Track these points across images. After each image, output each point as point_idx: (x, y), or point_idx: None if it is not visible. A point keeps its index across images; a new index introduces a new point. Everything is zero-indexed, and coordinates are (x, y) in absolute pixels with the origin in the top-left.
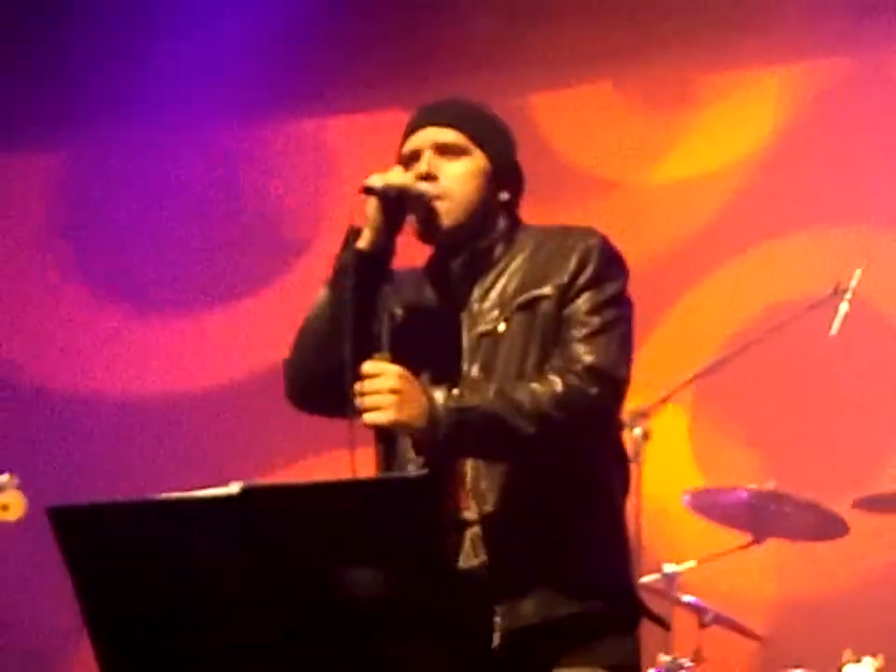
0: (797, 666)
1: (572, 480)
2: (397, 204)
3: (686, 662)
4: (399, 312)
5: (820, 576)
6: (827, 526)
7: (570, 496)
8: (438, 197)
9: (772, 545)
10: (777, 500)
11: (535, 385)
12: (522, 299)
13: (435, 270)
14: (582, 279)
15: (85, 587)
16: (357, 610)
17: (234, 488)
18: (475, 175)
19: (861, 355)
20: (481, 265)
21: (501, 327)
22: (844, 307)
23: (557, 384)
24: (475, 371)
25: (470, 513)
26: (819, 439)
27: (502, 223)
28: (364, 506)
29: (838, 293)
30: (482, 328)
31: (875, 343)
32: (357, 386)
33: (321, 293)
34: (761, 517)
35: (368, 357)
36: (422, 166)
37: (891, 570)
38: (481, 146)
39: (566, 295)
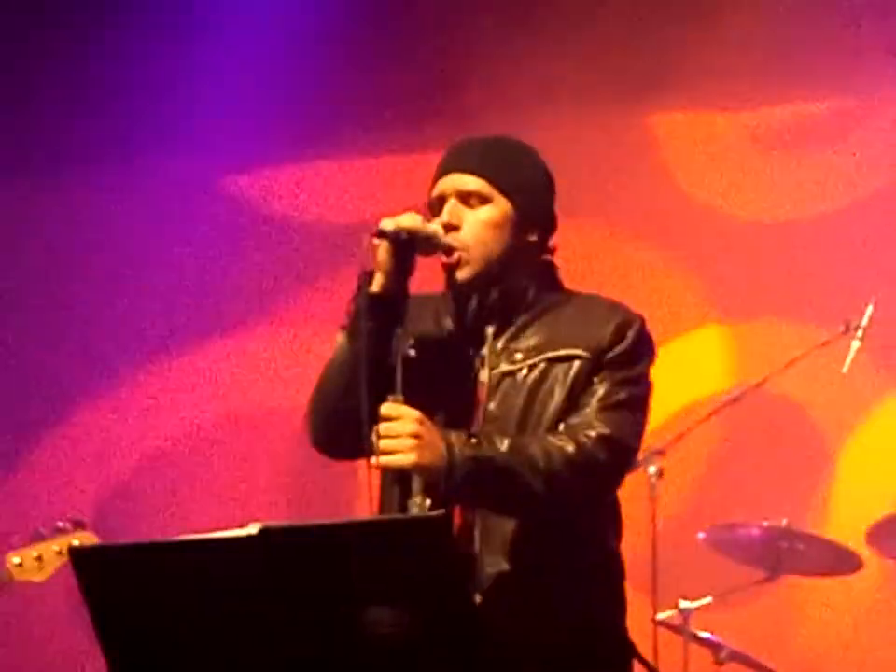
0: None
1: (571, 532)
2: (408, 247)
3: None
4: (412, 344)
5: (836, 612)
6: (841, 562)
7: (568, 548)
8: (455, 248)
9: (790, 581)
10: (789, 537)
11: (548, 444)
12: (554, 354)
13: (455, 302)
14: (615, 352)
15: (103, 625)
16: (379, 648)
17: (253, 529)
18: (497, 225)
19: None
20: (508, 305)
21: (524, 371)
22: (855, 344)
23: (570, 445)
24: (492, 406)
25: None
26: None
27: (533, 265)
28: (383, 544)
29: (850, 330)
30: (504, 367)
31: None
32: (376, 429)
33: (338, 339)
34: (774, 553)
35: (384, 399)
36: (444, 216)
37: None
38: (505, 192)
39: (598, 360)
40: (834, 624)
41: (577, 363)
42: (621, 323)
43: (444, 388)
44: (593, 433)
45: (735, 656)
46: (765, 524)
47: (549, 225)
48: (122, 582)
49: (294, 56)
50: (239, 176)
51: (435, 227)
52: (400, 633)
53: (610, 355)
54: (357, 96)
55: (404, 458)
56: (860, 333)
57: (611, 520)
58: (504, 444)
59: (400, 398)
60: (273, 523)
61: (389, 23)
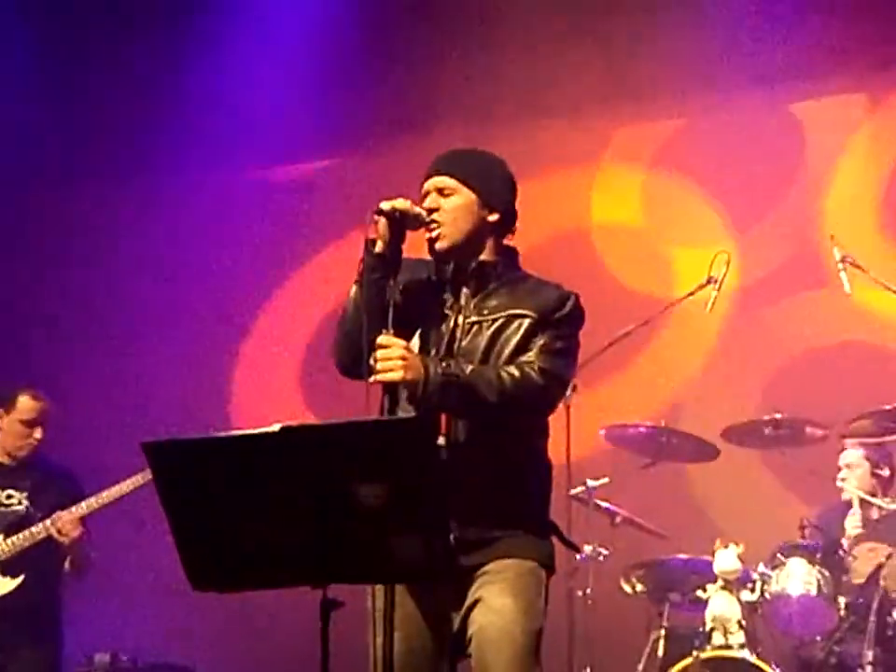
0: (683, 552)
1: (512, 434)
2: (400, 222)
3: (603, 550)
4: (402, 290)
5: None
6: (704, 452)
7: (512, 450)
8: (437, 223)
9: (667, 466)
10: (666, 433)
11: (501, 370)
12: (513, 312)
13: (440, 268)
14: (556, 315)
15: (170, 502)
16: (369, 515)
17: (276, 427)
18: (463, 207)
19: (731, 327)
20: (481, 275)
21: (489, 322)
22: (714, 292)
23: (517, 372)
24: (464, 343)
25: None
26: (699, 387)
27: (495, 242)
28: (374, 438)
29: (711, 282)
30: (475, 318)
31: (739, 318)
32: (374, 354)
33: (352, 289)
34: (655, 446)
35: (380, 332)
36: (427, 203)
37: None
38: (468, 184)
39: (544, 320)
40: (700, 499)
41: (528, 321)
42: (562, 295)
43: (427, 327)
44: (535, 366)
45: (626, 520)
46: (649, 424)
47: (507, 211)
48: (181, 469)
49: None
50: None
51: (420, 210)
52: (386, 503)
53: (552, 317)
54: (368, 103)
55: (393, 375)
56: (718, 284)
57: (544, 436)
58: (468, 368)
59: (391, 332)
60: (291, 422)
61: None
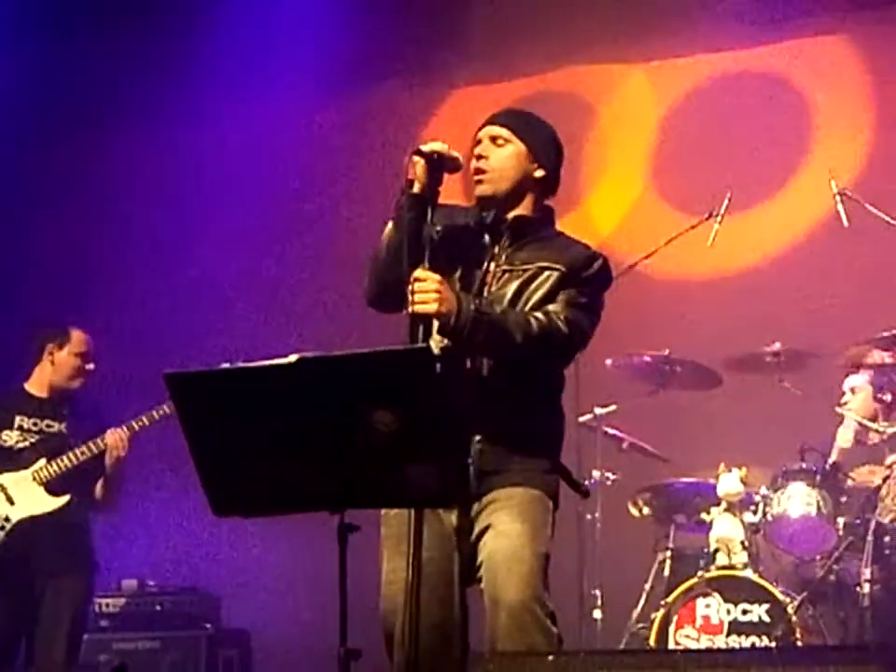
0: (687, 476)
1: (535, 381)
2: (437, 164)
3: (611, 475)
4: (440, 232)
5: (705, 414)
6: (706, 379)
7: (531, 390)
8: (484, 170)
9: (671, 394)
10: (670, 362)
11: (529, 315)
12: (543, 264)
13: (478, 215)
14: (584, 273)
15: (191, 432)
16: (383, 442)
17: (293, 358)
18: (513, 156)
19: (732, 263)
20: (517, 227)
21: (520, 271)
22: (716, 226)
23: (544, 318)
24: (493, 289)
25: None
26: (706, 319)
27: (536, 198)
28: (383, 367)
29: (712, 215)
30: (505, 266)
31: (739, 253)
32: (410, 288)
33: (388, 227)
34: (659, 374)
35: (416, 268)
36: (477, 150)
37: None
38: (520, 137)
39: (572, 275)
40: (703, 425)
41: (556, 273)
42: (592, 255)
43: (460, 271)
44: (560, 315)
45: (633, 446)
46: (654, 353)
47: (553, 172)
48: (201, 399)
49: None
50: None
51: (457, 154)
52: (399, 430)
53: (581, 274)
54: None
55: (428, 307)
56: (719, 218)
57: (560, 381)
58: (498, 309)
59: (427, 266)
60: (308, 353)
61: None
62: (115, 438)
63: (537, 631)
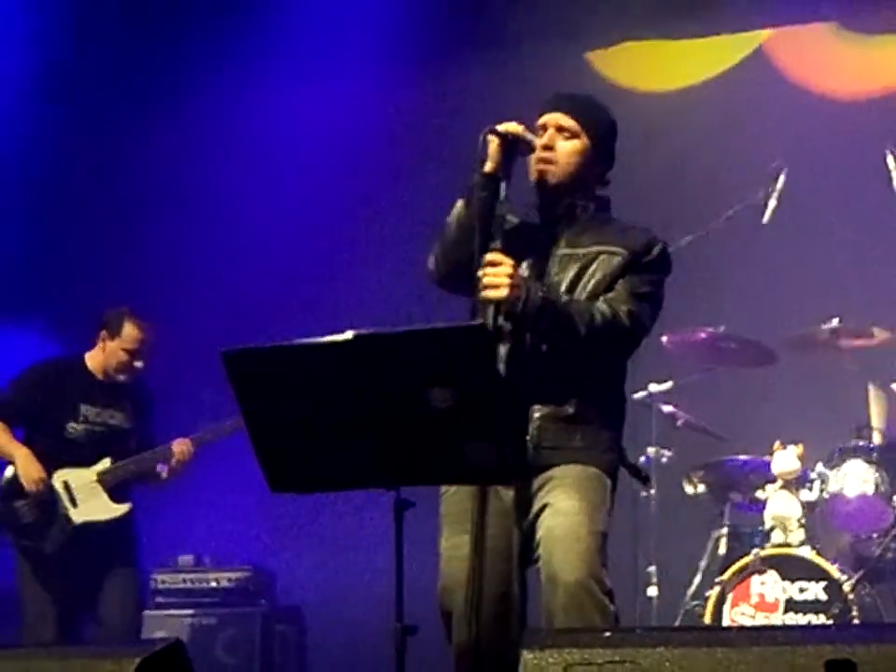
0: (743, 453)
1: (600, 366)
2: (511, 145)
3: (666, 453)
4: (512, 220)
5: (760, 391)
6: (762, 356)
7: (595, 369)
8: (549, 161)
9: (726, 370)
10: (726, 339)
11: (593, 306)
12: (603, 248)
13: (542, 205)
14: (645, 259)
15: (247, 409)
16: (438, 418)
17: (349, 334)
18: (578, 153)
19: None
20: (574, 214)
21: (580, 256)
22: (773, 202)
23: (609, 310)
24: (553, 274)
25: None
26: (762, 296)
27: (596, 189)
28: (438, 344)
29: (767, 193)
30: (568, 251)
31: (803, 230)
32: (481, 271)
33: (458, 204)
34: (715, 351)
35: (487, 248)
36: (545, 139)
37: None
38: (588, 134)
39: (632, 260)
40: (759, 402)
41: (616, 259)
42: (651, 241)
43: (521, 258)
44: (624, 308)
45: (688, 423)
46: (709, 330)
47: (609, 163)
48: (257, 377)
49: None
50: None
51: (533, 137)
52: (454, 407)
53: (641, 259)
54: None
55: (499, 292)
56: (775, 195)
57: (624, 367)
58: (565, 297)
59: (499, 245)
60: (363, 330)
61: None
62: (181, 449)
63: (594, 609)
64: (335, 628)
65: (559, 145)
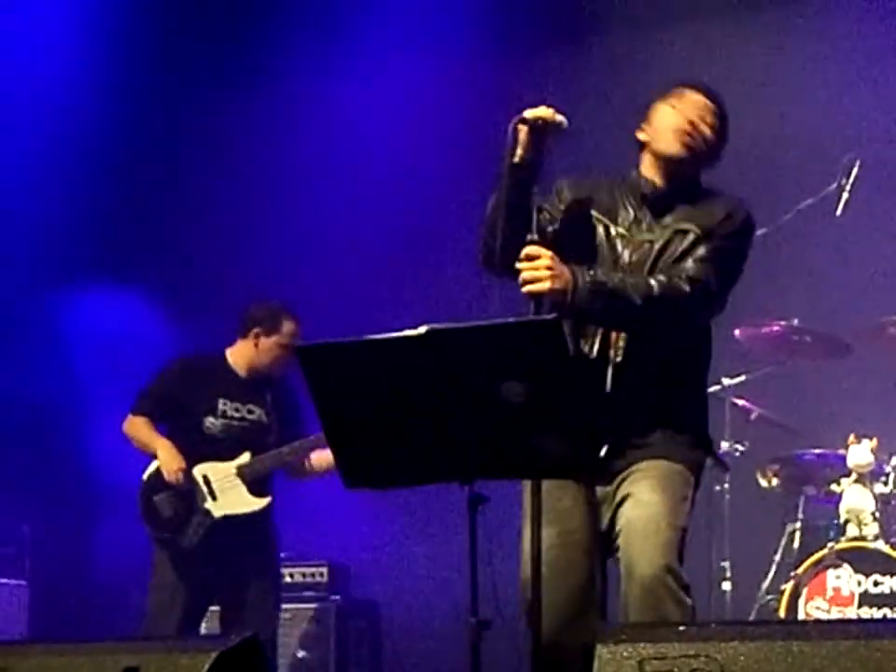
0: (817, 447)
1: (684, 351)
2: (541, 130)
3: (739, 446)
4: (578, 203)
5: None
6: (835, 349)
7: (680, 362)
8: (693, 142)
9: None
10: (799, 332)
11: (647, 277)
12: (677, 227)
13: (630, 187)
14: (722, 229)
15: (322, 404)
16: (512, 413)
17: (422, 329)
18: (711, 147)
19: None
20: (667, 194)
21: (656, 237)
22: (845, 195)
23: (664, 278)
24: (634, 258)
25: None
26: (835, 288)
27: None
28: (515, 338)
29: (840, 185)
30: (646, 236)
31: (876, 222)
32: (519, 264)
33: (494, 195)
34: (788, 344)
35: (523, 236)
36: (696, 115)
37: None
38: (720, 134)
39: (706, 234)
40: (833, 395)
41: (691, 235)
42: (732, 210)
43: (600, 240)
44: (683, 274)
45: (761, 417)
46: (783, 323)
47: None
48: (332, 371)
49: None
50: None
51: (562, 118)
52: (527, 401)
53: (718, 230)
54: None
55: (541, 286)
56: (848, 188)
57: (706, 353)
58: (616, 276)
59: (535, 237)
60: (437, 325)
61: None
62: (323, 464)
63: (670, 602)
64: (410, 623)
65: (703, 132)
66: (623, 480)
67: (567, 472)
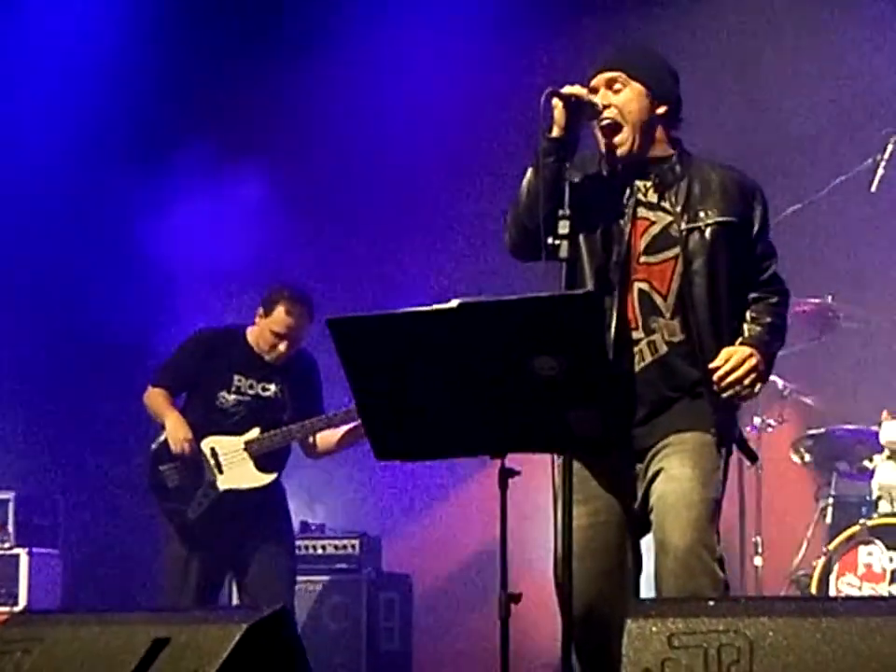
0: (850, 423)
1: (722, 332)
2: (576, 107)
3: (772, 422)
4: (578, 181)
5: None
6: (870, 326)
7: (716, 343)
8: (611, 119)
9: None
10: (833, 308)
11: (773, 310)
12: (712, 220)
13: (611, 162)
14: (761, 221)
15: (354, 377)
16: (544, 386)
17: (454, 303)
18: (635, 100)
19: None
20: (658, 171)
21: (704, 228)
22: (881, 171)
23: (776, 300)
24: (646, 241)
25: (637, 334)
26: (869, 265)
27: (666, 129)
28: (546, 312)
29: (876, 161)
30: (651, 215)
31: None
32: (714, 372)
33: (528, 173)
34: (822, 320)
35: (556, 213)
36: (598, 99)
37: None
38: (636, 78)
39: (749, 228)
40: (867, 372)
41: (729, 228)
42: (751, 192)
43: (602, 222)
44: (781, 287)
45: (794, 392)
46: (816, 300)
47: (675, 102)
48: (364, 344)
49: None
50: None
51: (597, 100)
52: (560, 375)
53: (759, 224)
54: None
55: (755, 390)
56: (884, 164)
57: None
58: (764, 335)
59: (568, 212)
60: (469, 298)
61: None
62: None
63: (703, 575)
64: (440, 595)
65: (614, 99)
66: (654, 456)
67: (595, 447)
